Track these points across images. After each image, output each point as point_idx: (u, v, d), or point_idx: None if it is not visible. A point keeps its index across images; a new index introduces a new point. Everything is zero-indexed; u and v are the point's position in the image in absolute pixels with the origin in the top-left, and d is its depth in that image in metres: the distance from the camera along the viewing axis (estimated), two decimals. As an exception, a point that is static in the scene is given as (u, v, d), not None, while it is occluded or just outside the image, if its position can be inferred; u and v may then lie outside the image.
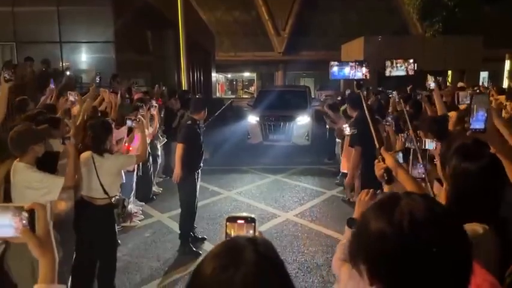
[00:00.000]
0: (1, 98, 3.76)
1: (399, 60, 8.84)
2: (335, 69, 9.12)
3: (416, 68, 8.43)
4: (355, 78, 2.94)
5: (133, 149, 5.02)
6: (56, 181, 3.09)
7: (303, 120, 10.72)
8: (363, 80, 8.06)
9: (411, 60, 8.46)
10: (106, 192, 3.71)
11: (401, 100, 4.69)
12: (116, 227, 3.88)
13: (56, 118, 3.91)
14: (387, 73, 8.21)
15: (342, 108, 7.19)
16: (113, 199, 3.75)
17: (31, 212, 1.02)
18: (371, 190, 1.77)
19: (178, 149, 4.91)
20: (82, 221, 3.69)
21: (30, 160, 3.08)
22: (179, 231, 5.13)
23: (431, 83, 4.89)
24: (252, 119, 11.04)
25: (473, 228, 1.44)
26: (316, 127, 10.86)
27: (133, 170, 5.85)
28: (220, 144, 10.87)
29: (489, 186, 1.52)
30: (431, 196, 1.66)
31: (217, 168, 8.90)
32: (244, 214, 1.07)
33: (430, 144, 2.96)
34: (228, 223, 1.04)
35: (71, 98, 4.84)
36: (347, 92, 10.41)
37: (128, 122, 4.47)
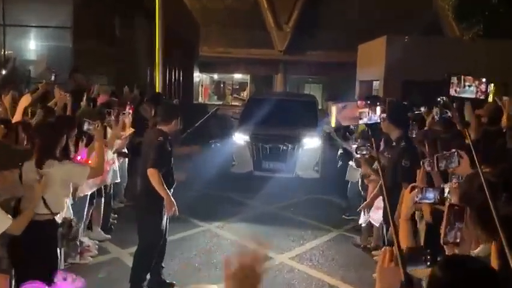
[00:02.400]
0: None
1: (468, 78, 8.40)
2: (333, 110, 7.49)
3: (488, 90, 8.33)
4: (369, 123, 2.89)
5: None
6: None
7: (312, 142, 10.05)
8: (375, 97, 7.97)
9: (483, 80, 7.99)
10: (47, 206, 3.72)
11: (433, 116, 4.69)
12: (59, 252, 3.88)
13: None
14: (452, 92, 7.72)
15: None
16: (57, 216, 3.77)
17: None
18: (391, 249, 1.71)
19: (153, 176, 4.71)
20: (17, 239, 3.68)
21: None
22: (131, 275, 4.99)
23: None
24: (239, 138, 10.28)
25: None
26: (328, 152, 10.10)
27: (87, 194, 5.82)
28: (201, 162, 10.86)
29: None
30: None
31: (196, 193, 8.89)
32: None
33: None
34: None
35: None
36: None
37: (85, 125, 4.48)
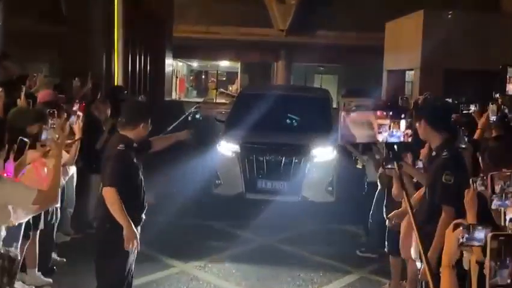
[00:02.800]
0: None
1: None
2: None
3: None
4: (389, 142, 2.81)
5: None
6: None
7: (324, 154, 9.97)
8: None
9: None
10: None
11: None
12: None
13: None
14: (509, 89, 7.39)
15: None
16: None
17: None
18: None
19: (109, 196, 4.75)
20: None
21: None
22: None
23: None
24: (226, 148, 10.26)
25: None
26: (347, 167, 9.99)
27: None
28: (176, 181, 10.83)
29: None
30: None
31: (168, 222, 8.86)
32: None
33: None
34: None
35: None
36: (404, 97, 10.20)
37: (43, 134, 4.60)
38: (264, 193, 9.90)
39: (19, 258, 4.08)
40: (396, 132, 2.76)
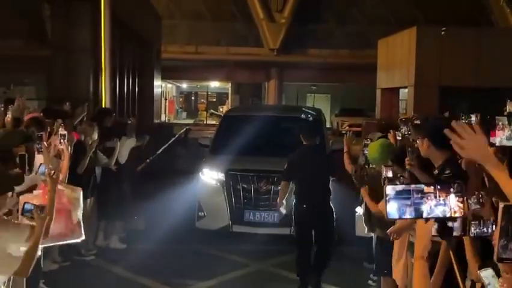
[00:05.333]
0: None
1: None
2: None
3: None
4: (435, 216, 2.70)
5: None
6: None
7: None
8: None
9: None
10: None
11: None
12: None
13: None
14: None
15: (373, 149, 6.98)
16: None
17: None
18: None
19: None
20: None
21: None
22: None
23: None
24: (209, 176, 9.82)
25: None
26: (343, 195, 9.19)
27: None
28: (163, 206, 10.77)
29: None
30: None
31: (157, 248, 8.83)
32: None
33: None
34: None
35: None
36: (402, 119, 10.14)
37: (41, 169, 4.76)
38: (252, 225, 9.38)
39: None
40: (444, 201, 2.64)
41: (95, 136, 8.25)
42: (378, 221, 6.40)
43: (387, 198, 2.53)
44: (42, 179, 4.84)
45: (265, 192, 9.40)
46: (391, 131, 6.54)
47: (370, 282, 7.70)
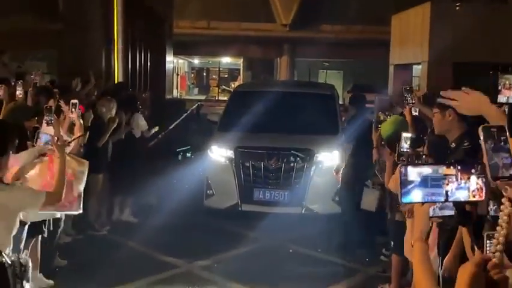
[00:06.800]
0: None
1: None
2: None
3: None
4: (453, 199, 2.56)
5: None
6: None
7: (331, 158, 9.24)
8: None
9: None
10: None
11: None
12: None
13: None
14: None
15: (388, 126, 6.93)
16: (5, 256, 3.85)
17: None
18: None
19: None
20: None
21: None
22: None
23: None
24: (218, 153, 9.62)
25: None
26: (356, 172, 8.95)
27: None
28: (176, 180, 10.80)
29: None
30: None
31: (172, 223, 8.86)
32: None
33: None
34: None
35: None
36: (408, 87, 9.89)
37: (43, 138, 4.67)
38: (261, 204, 9.20)
39: (30, 264, 4.12)
40: (465, 184, 2.48)
41: (114, 111, 8.32)
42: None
43: (401, 180, 2.38)
44: (48, 148, 4.84)
45: (275, 170, 9.19)
46: (406, 106, 6.51)
47: (382, 257, 7.74)
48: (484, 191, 2.42)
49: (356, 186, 7.86)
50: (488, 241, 2.65)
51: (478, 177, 2.45)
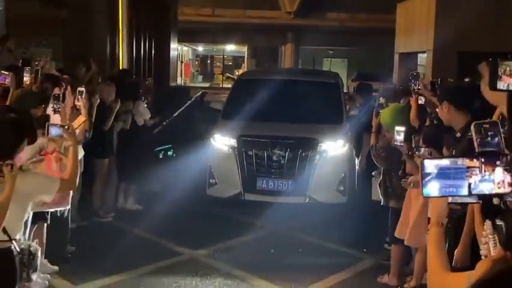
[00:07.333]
0: None
1: None
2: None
3: None
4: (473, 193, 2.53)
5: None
6: None
7: (335, 148, 9.18)
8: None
9: None
10: (5, 231, 3.80)
11: None
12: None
13: None
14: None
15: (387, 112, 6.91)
16: (15, 243, 3.86)
17: None
18: None
19: None
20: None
21: None
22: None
23: None
24: (221, 142, 9.48)
25: None
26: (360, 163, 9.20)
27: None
28: (180, 168, 10.82)
29: None
30: None
31: (176, 210, 8.86)
32: None
33: None
34: None
35: None
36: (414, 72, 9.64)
37: (53, 131, 4.71)
38: (265, 194, 9.08)
39: (39, 253, 4.14)
40: (490, 176, 2.41)
41: (113, 95, 8.34)
42: (393, 192, 6.46)
43: (423, 174, 2.37)
44: (59, 135, 4.84)
45: (278, 159, 9.07)
46: (413, 95, 6.51)
47: (385, 245, 7.67)
48: (510, 182, 2.38)
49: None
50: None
51: (503, 169, 2.41)
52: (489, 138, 2.39)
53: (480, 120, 2.48)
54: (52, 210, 5.99)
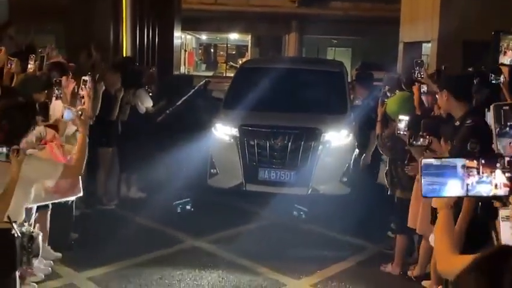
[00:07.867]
0: None
1: None
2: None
3: None
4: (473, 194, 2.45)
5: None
6: None
7: (339, 138, 9.06)
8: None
9: None
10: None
11: None
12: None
13: None
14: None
15: (393, 101, 6.91)
16: (15, 225, 3.89)
17: None
18: None
19: None
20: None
21: None
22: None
23: None
24: (222, 131, 9.34)
25: None
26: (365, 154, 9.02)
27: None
28: (183, 154, 10.80)
29: None
30: None
31: (178, 199, 8.82)
32: None
33: None
34: None
35: None
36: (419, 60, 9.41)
37: (67, 114, 4.73)
38: (266, 184, 8.94)
39: (40, 238, 4.15)
40: (488, 178, 2.36)
41: (119, 84, 8.34)
42: (399, 182, 6.46)
43: (422, 173, 2.35)
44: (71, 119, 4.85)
45: (281, 150, 8.90)
46: (416, 84, 6.50)
47: (389, 233, 7.68)
48: (509, 187, 2.35)
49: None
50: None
51: (503, 172, 2.36)
52: (507, 129, 2.36)
53: (500, 103, 2.43)
54: (64, 200, 6.00)
